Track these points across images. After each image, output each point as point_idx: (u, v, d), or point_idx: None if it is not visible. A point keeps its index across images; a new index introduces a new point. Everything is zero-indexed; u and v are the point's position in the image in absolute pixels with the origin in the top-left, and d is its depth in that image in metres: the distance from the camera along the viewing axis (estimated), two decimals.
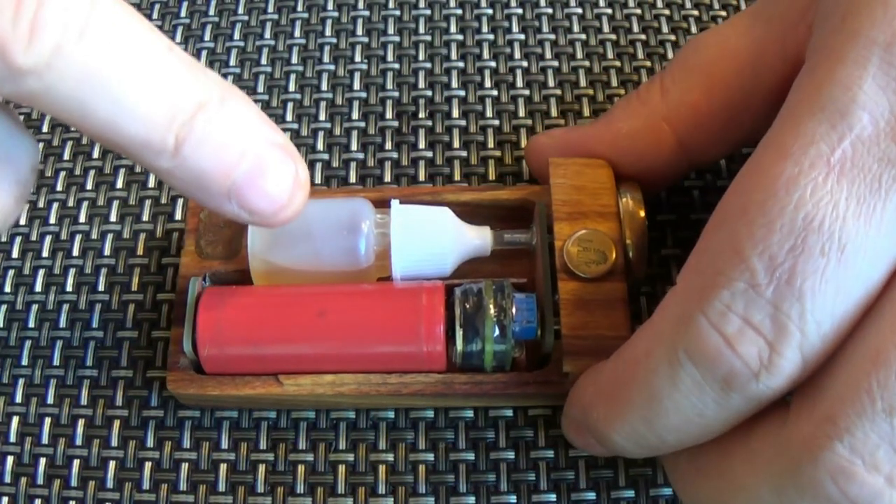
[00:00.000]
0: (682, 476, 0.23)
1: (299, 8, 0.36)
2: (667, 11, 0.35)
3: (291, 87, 0.34)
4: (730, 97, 0.25)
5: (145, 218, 0.31)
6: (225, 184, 0.21)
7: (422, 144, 0.33)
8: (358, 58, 0.35)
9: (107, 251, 0.31)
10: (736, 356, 0.19)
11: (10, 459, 0.28)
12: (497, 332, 0.25)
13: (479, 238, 0.27)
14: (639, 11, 0.35)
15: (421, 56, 0.35)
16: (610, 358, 0.23)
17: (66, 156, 0.33)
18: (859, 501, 0.18)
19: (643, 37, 0.34)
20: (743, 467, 0.20)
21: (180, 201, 0.32)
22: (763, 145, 0.20)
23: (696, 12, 0.35)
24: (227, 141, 0.21)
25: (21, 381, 0.29)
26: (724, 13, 0.35)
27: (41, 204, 0.32)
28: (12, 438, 0.28)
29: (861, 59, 0.19)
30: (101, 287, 0.30)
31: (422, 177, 0.32)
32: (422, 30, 0.35)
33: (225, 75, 0.34)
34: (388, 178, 0.32)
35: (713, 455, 0.22)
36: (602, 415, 0.23)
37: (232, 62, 0.35)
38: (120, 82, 0.19)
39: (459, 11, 0.35)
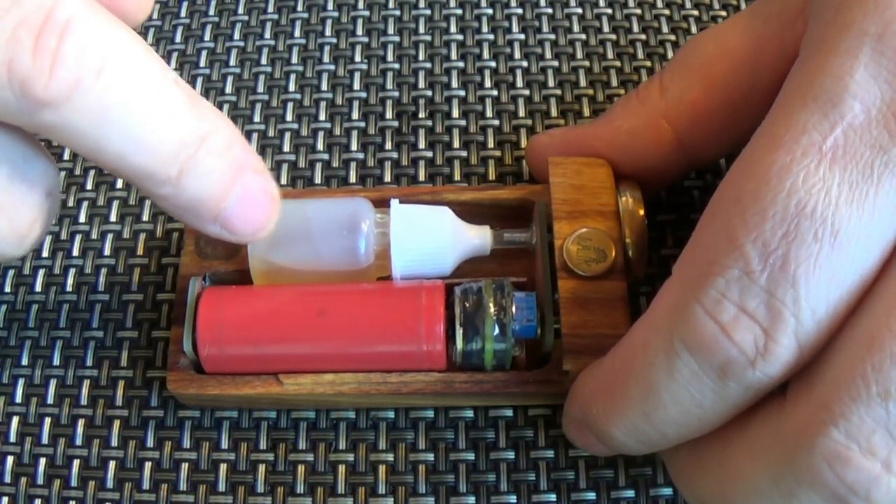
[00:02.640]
0: (682, 469, 0.23)
1: (299, 8, 0.36)
2: (667, 11, 0.35)
3: (291, 87, 0.34)
4: (729, 94, 0.25)
5: (145, 218, 0.31)
6: (215, 210, 0.22)
7: (422, 144, 0.33)
8: (358, 58, 0.35)
9: (107, 251, 0.31)
10: (732, 344, 0.19)
11: (10, 459, 0.28)
12: (497, 330, 0.25)
13: (478, 237, 0.27)
14: (639, 11, 0.35)
15: (421, 56, 0.35)
16: (608, 353, 0.23)
17: (66, 156, 0.33)
18: (856, 487, 0.18)
19: (643, 37, 0.34)
20: (741, 457, 0.20)
21: None
22: (756, 136, 0.20)
23: (696, 12, 0.35)
24: (222, 172, 0.22)
25: (21, 381, 0.29)
26: (724, 13, 0.35)
27: None
28: (12, 438, 0.28)
29: (853, 49, 0.19)
30: (101, 287, 0.30)
31: (422, 177, 0.32)
32: (422, 30, 0.35)
33: (225, 76, 0.34)
34: (388, 178, 0.32)
35: (712, 446, 0.21)
36: (601, 410, 0.22)
37: (232, 62, 0.35)
38: (133, 118, 0.20)
39: (459, 11, 0.35)
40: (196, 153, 0.21)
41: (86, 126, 0.19)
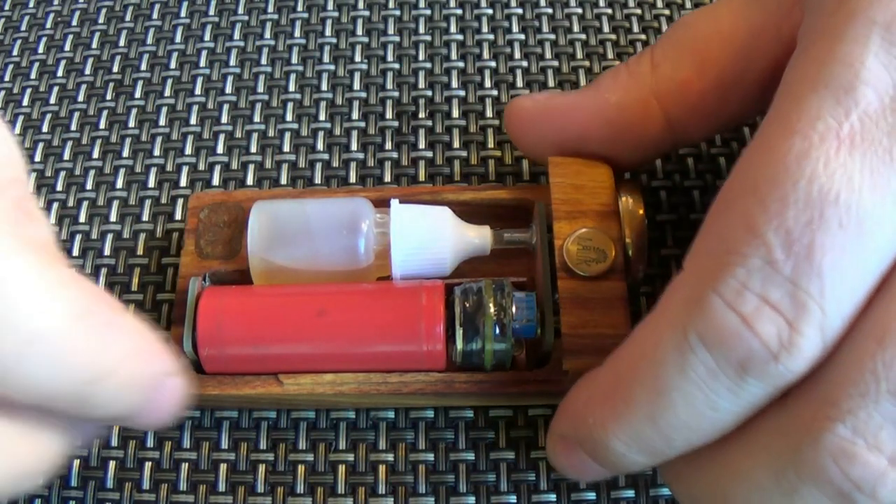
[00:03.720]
0: (677, 471, 0.22)
1: (299, 8, 0.36)
2: (667, 11, 0.35)
3: (291, 87, 0.34)
4: (721, 77, 0.25)
5: (145, 218, 0.31)
6: (123, 420, 0.21)
7: (422, 144, 0.33)
8: (358, 58, 0.35)
9: (107, 251, 0.31)
10: (754, 336, 0.18)
11: None
12: (497, 330, 0.25)
13: (478, 237, 0.27)
14: (639, 11, 0.35)
15: (421, 56, 0.35)
16: (605, 361, 0.22)
17: (67, 156, 0.33)
18: (862, 483, 0.18)
19: (643, 37, 0.34)
20: (740, 454, 0.20)
21: (180, 201, 0.32)
22: (766, 125, 0.19)
23: None
24: (129, 398, 0.20)
25: None
26: None
27: (41, 204, 0.32)
28: None
29: (861, 37, 0.19)
30: (101, 287, 0.30)
31: (422, 177, 0.32)
32: (422, 30, 0.35)
33: (225, 76, 0.34)
34: (388, 178, 0.32)
35: (710, 446, 0.21)
36: (599, 418, 0.21)
37: (232, 62, 0.35)
38: (34, 365, 0.19)
39: (459, 11, 0.35)
40: (99, 389, 0.20)
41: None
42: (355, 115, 0.33)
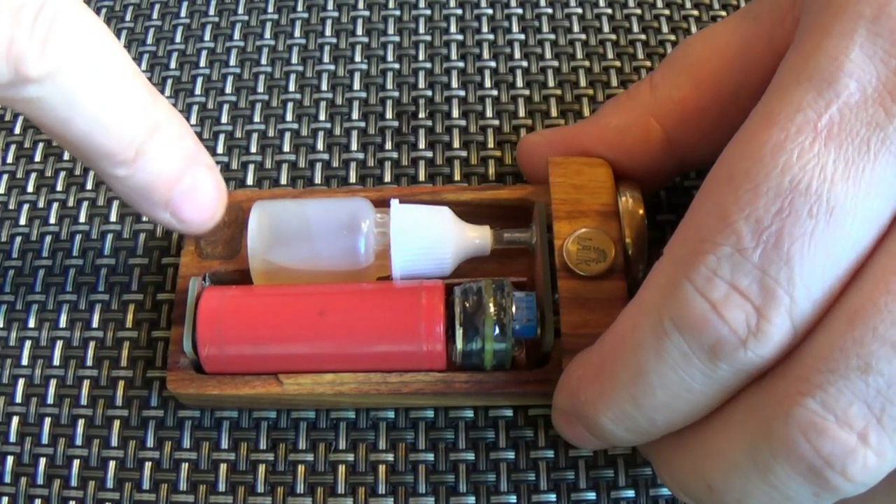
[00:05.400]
0: (663, 454, 0.22)
1: (299, 8, 0.36)
2: (667, 11, 0.35)
3: (291, 87, 0.34)
4: (718, 93, 0.25)
5: (145, 218, 0.31)
6: (166, 195, 0.24)
7: (422, 144, 0.33)
8: (358, 58, 0.35)
9: (107, 251, 0.31)
10: (723, 322, 0.19)
11: (10, 459, 0.28)
12: (497, 330, 0.25)
13: (478, 237, 0.27)
14: (639, 11, 0.35)
15: (421, 56, 0.35)
16: (597, 340, 0.22)
17: (66, 156, 0.33)
18: (832, 459, 0.18)
19: (643, 37, 0.34)
20: (719, 433, 0.20)
21: None
22: (751, 117, 0.20)
23: (696, 12, 0.35)
24: (174, 159, 0.23)
25: (21, 381, 0.29)
26: (723, 13, 0.35)
27: (41, 204, 0.32)
28: (12, 438, 0.28)
29: (848, 30, 0.19)
30: (101, 287, 0.30)
31: (422, 177, 0.32)
32: (422, 30, 0.35)
33: (225, 76, 0.34)
34: (388, 178, 0.32)
35: (692, 427, 0.21)
36: (589, 397, 0.22)
37: (232, 62, 0.35)
38: (103, 100, 0.22)
39: (459, 11, 0.35)
40: (152, 138, 0.23)
41: (61, 104, 0.21)
42: (355, 115, 0.33)
